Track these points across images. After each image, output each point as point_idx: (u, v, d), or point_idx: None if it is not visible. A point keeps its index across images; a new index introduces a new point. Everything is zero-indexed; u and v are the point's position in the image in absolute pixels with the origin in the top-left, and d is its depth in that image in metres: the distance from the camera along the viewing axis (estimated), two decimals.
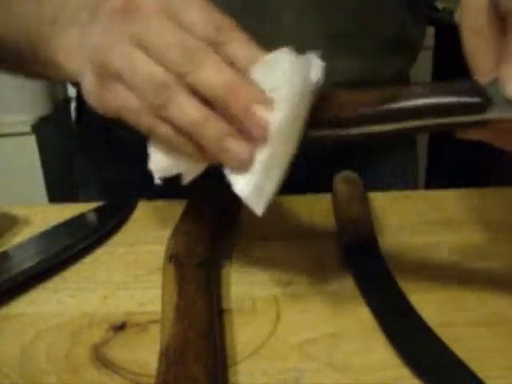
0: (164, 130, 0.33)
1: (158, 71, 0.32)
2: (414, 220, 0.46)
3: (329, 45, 0.53)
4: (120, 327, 0.35)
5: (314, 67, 0.32)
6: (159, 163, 0.35)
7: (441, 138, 1.45)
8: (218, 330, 0.33)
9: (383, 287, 0.38)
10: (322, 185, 0.48)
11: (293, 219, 0.48)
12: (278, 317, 0.36)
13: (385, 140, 0.45)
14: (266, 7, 0.51)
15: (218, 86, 0.31)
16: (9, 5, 0.44)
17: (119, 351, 0.34)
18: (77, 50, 0.37)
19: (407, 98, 0.30)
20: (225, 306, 0.37)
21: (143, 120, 0.33)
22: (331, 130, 0.32)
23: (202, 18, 0.33)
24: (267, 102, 0.31)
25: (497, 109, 0.29)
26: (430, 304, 0.36)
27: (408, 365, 0.31)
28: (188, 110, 0.31)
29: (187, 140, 0.33)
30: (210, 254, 0.40)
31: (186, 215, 0.44)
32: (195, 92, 0.32)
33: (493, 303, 0.36)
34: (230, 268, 0.41)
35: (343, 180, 0.48)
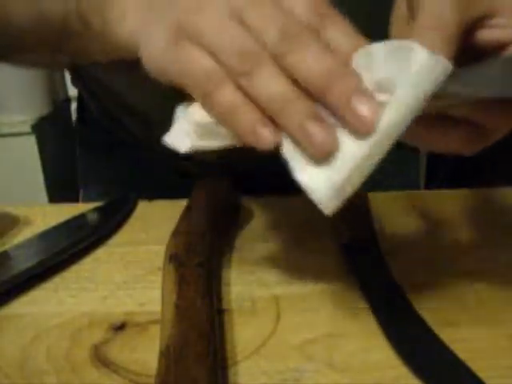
0: (229, 97, 0.30)
1: (251, 42, 0.29)
2: (415, 220, 0.46)
3: None
4: (120, 327, 0.35)
5: (441, 68, 0.28)
6: (188, 137, 0.31)
7: None
8: (218, 330, 0.33)
9: (383, 287, 0.38)
10: None
11: (293, 219, 0.48)
12: (278, 317, 0.36)
13: None
14: None
15: (317, 73, 0.28)
16: None
17: (119, 351, 0.34)
18: (132, 11, 0.35)
19: None
20: (225, 306, 0.37)
21: (209, 82, 0.30)
22: None
23: (304, 2, 0.31)
24: (371, 98, 0.28)
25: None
26: (430, 304, 0.36)
27: (408, 365, 0.31)
28: (275, 82, 0.29)
29: (251, 113, 0.29)
30: (210, 253, 0.40)
31: (186, 215, 0.44)
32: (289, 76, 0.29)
33: (493, 303, 0.36)
34: (229, 268, 0.41)
35: None
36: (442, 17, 0.30)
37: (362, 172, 0.28)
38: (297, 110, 0.29)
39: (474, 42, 0.32)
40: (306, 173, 0.28)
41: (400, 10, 0.34)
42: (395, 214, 0.47)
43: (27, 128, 1.46)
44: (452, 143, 0.31)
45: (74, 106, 0.71)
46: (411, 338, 0.33)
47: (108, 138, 0.63)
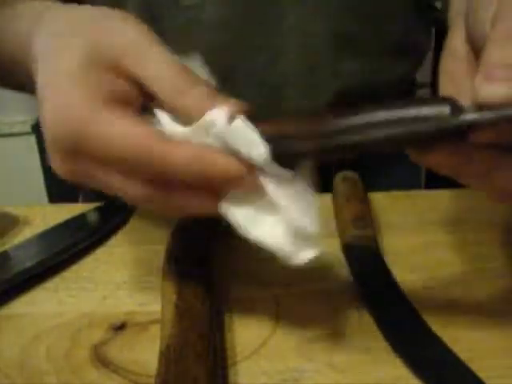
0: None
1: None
2: (414, 220, 0.46)
3: (333, 47, 0.53)
4: (120, 327, 0.35)
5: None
6: None
7: None
8: (217, 330, 0.33)
9: (383, 287, 0.38)
10: (322, 185, 0.48)
11: None
12: (278, 317, 0.36)
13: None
14: (270, 8, 0.51)
15: (189, 168, 0.29)
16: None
17: (119, 351, 0.34)
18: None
19: (368, 111, 0.28)
20: (225, 306, 0.37)
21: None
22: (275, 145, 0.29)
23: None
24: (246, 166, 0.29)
25: (469, 112, 0.26)
26: (430, 304, 0.36)
27: (408, 365, 0.31)
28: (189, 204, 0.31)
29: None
30: (210, 254, 0.40)
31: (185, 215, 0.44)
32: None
33: (492, 303, 0.36)
34: (230, 268, 0.41)
35: (343, 180, 0.47)
36: None
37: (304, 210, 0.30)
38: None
39: None
40: (261, 228, 0.30)
41: (453, 43, 0.32)
42: (395, 213, 0.47)
43: (27, 128, 1.46)
44: (471, 170, 0.29)
45: None
46: (411, 339, 0.33)
47: None
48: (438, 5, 0.64)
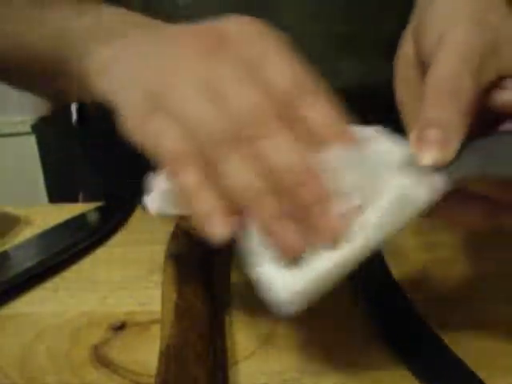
0: (193, 180, 0.28)
1: (220, 125, 0.28)
2: (415, 220, 0.46)
3: (332, 46, 0.53)
4: (120, 327, 0.35)
5: (428, 186, 0.27)
6: (161, 201, 0.31)
7: None
8: (217, 330, 0.33)
9: (383, 287, 0.38)
10: None
11: None
12: (278, 317, 0.36)
13: None
14: (266, 7, 0.51)
15: (282, 168, 0.27)
16: (40, 5, 0.41)
17: (119, 351, 0.34)
18: (112, 66, 0.34)
19: None
20: (225, 306, 0.37)
21: (177, 160, 0.29)
22: None
23: (283, 74, 0.29)
24: (334, 207, 0.26)
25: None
26: (430, 304, 0.36)
27: (408, 365, 0.31)
28: (244, 173, 0.27)
29: (210, 200, 0.28)
30: (210, 254, 0.40)
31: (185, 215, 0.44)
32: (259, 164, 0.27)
33: (492, 303, 0.36)
34: (229, 268, 0.41)
35: None
36: (459, 81, 0.27)
37: (325, 283, 0.26)
38: (266, 206, 0.27)
39: (487, 105, 0.29)
40: (267, 271, 0.27)
41: (405, 51, 0.32)
42: None
43: (27, 128, 1.46)
44: (470, 218, 0.29)
45: (74, 106, 0.71)
46: (411, 338, 0.33)
47: (108, 138, 0.63)
48: None
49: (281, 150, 0.27)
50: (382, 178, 0.27)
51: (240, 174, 0.27)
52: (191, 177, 0.28)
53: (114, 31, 0.36)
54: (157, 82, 0.31)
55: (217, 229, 0.27)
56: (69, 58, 0.38)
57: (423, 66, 0.30)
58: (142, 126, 0.30)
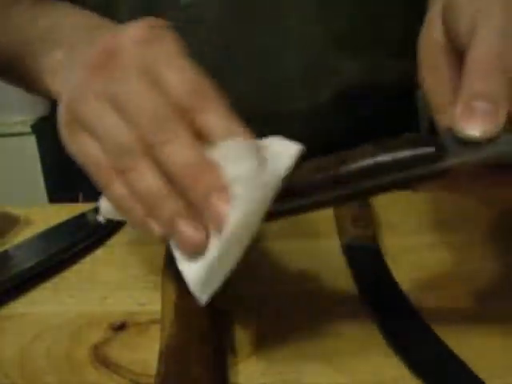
0: (118, 191, 0.31)
1: (126, 137, 0.30)
2: (415, 220, 0.46)
3: (333, 46, 0.53)
4: (120, 327, 0.35)
5: (287, 158, 0.29)
6: (107, 208, 0.34)
7: None
8: (217, 330, 0.33)
9: (383, 287, 0.38)
10: None
11: (292, 219, 0.48)
12: (278, 317, 0.36)
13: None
14: (268, 7, 0.51)
15: (180, 166, 0.29)
16: (8, 12, 0.45)
17: (119, 351, 0.34)
18: (60, 72, 0.37)
19: (356, 159, 0.29)
20: (225, 306, 0.37)
21: (101, 175, 0.32)
22: (281, 202, 0.29)
23: (180, 81, 0.30)
24: (227, 194, 0.29)
25: (453, 155, 0.27)
26: (430, 303, 0.36)
27: (408, 365, 0.31)
28: (148, 181, 0.30)
29: (138, 207, 0.31)
30: None
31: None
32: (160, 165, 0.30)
33: (492, 303, 0.36)
34: None
35: None
36: (505, 56, 0.27)
37: (226, 263, 0.29)
38: (167, 207, 0.29)
39: None
40: (184, 264, 0.30)
41: (432, 37, 0.32)
42: (395, 214, 0.47)
43: (27, 128, 1.46)
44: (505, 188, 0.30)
45: None
46: (411, 338, 0.33)
47: None
48: None
49: (179, 150, 0.29)
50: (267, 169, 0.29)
51: (144, 179, 0.30)
52: (116, 189, 0.31)
53: (64, 35, 0.39)
54: (71, 97, 0.33)
55: (154, 230, 0.30)
56: (29, 60, 0.41)
57: (455, 51, 0.30)
58: (68, 137, 0.33)
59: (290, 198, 0.30)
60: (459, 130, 0.27)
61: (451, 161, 0.27)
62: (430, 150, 0.28)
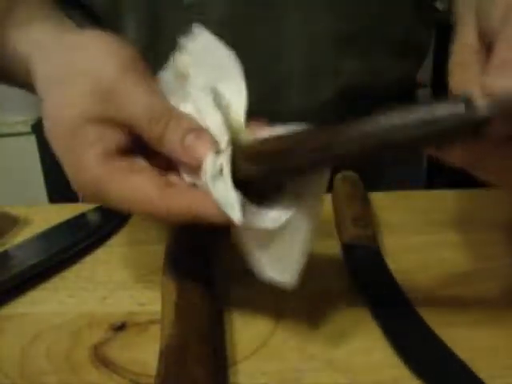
0: None
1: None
2: (415, 220, 0.46)
3: (334, 46, 0.53)
4: (120, 327, 0.35)
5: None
6: None
7: None
8: (218, 330, 0.33)
9: (383, 287, 0.38)
10: None
11: None
12: (278, 317, 0.36)
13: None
14: (272, 6, 0.51)
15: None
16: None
17: (119, 351, 0.34)
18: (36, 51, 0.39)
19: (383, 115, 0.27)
20: (225, 306, 0.37)
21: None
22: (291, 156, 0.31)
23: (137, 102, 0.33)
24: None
25: (483, 109, 0.25)
26: (430, 304, 0.36)
27: (408, 365, 0.31)
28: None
29: None
30: (210, 253, 0.40)
31: None
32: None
33: (493, 303, 0.36)
34: (230, 268, 0.41)
35: (343, 180, 0.47)
36: None
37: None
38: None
39: None
40: (273, 270, 0.33)
41: (465, 36, 0.32)
42: (396, 213, 0.47)
43: (27, 128, 1.46)
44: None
45: None
46: (411, 338, 0.33)
47: None
48: (439, 5, 0.64)
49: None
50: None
51: None
52: None
53: (50, 51, 0.39)
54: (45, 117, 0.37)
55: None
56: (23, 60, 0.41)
57: (486, 52, 0.30)
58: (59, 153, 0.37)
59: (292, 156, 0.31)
60: (491, 86, 0.26)
61: (482, 112, 0.25)
62: (459, 105, 0.26)
